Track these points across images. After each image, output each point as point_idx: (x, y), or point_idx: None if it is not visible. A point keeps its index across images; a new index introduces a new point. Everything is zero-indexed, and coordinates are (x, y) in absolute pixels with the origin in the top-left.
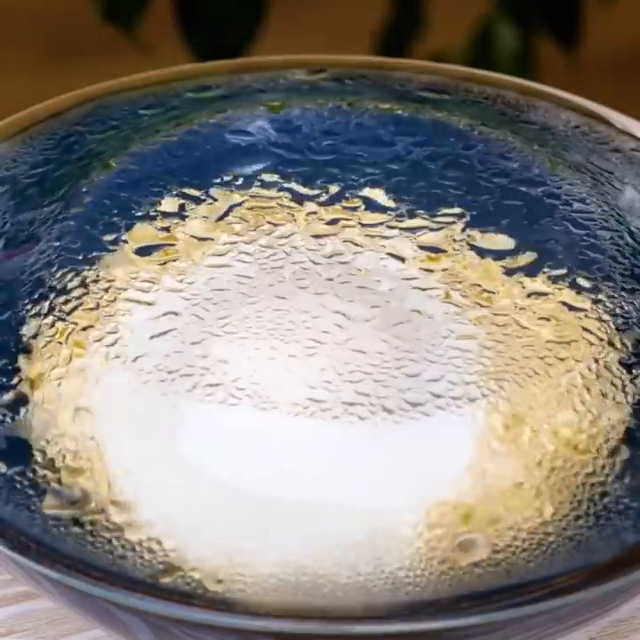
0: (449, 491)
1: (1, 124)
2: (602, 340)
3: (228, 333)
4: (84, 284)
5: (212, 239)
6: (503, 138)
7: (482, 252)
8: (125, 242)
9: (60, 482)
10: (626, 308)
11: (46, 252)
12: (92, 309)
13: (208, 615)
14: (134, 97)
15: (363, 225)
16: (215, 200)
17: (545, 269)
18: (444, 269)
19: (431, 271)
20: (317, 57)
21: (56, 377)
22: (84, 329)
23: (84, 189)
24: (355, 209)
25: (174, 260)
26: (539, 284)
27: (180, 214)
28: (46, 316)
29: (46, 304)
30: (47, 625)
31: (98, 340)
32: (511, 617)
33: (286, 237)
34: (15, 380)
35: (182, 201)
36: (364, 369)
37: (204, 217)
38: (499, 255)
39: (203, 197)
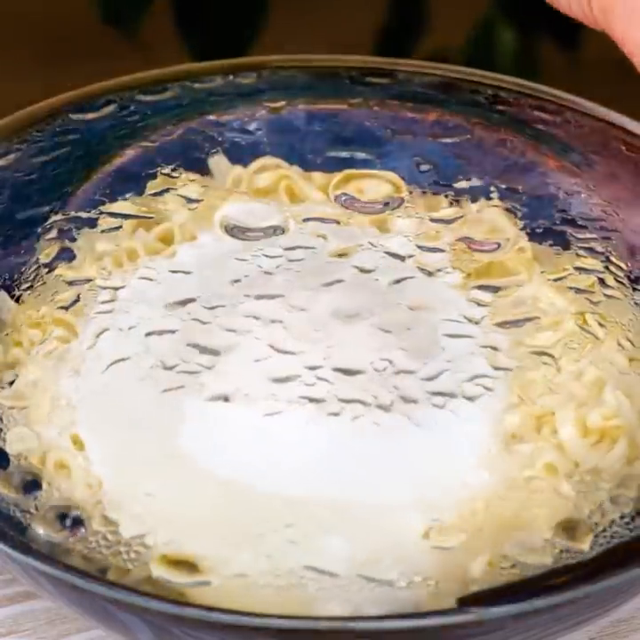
0: (445, 490)
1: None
2: (602, 340)
3: (226, 330)
4: (79, 281)
5: (212, 238)
6: (504, 137)
7: (479, 250)
8: (123, 238)
9: (52, 481)
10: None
11: (43, 249)
12: (85, 306)
13: (208, 614)
14: (133, 96)
15: (361, 223)
16: (214, 198)
17: (543, 270)
18: (439, 270)
19: (430, 271)
20: (317, 57)
21: (51, 379)
22: (77, 325)
23: (83, 187)
24: (353, 206)
25: (171, 257)
26: (539, 282)
27: (179, 211)
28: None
29: (42, 304)
30: (47, 625)
31: (94, 337)
32: (511, 615)
33: (284, 235)
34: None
35: (182, 198)
36: (360, 366)
37: (202, 215)
38: (497, 253)
39: (201, 197)
